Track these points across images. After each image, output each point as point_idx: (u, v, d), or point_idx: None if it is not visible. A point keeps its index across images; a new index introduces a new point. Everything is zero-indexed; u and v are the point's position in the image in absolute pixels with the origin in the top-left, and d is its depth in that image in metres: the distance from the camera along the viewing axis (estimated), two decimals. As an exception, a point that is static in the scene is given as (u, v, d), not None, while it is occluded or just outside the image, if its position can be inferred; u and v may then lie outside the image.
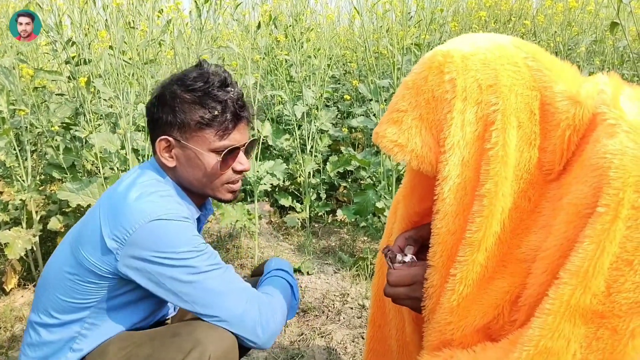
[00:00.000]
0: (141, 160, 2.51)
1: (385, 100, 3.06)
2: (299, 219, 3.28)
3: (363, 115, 3.69)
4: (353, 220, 3.16)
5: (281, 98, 3.76)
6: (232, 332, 1.18)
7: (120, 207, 1.17)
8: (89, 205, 2.36)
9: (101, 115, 2.70)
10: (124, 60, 2.56)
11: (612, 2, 2.02)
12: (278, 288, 1.35)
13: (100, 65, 2.52)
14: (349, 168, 3.46)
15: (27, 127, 2.46)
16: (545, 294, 0.78)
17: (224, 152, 1.24)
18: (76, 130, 2.64)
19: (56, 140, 2.70)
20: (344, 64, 4.79)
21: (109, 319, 1.24)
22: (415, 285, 1.00)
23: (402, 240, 1.11)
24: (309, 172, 3.33)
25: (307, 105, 3.32)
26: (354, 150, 3.66)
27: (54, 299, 1.21)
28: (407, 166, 1.08)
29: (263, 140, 3.28)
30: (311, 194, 3.34)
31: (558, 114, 0.85)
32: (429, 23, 2.85)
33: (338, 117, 4.01)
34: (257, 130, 2.88)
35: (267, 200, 3.55)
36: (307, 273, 2.65)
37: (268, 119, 3.64)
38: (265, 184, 3.06)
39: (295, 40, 3.38)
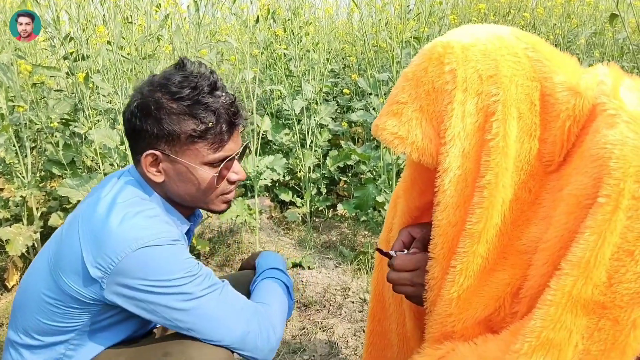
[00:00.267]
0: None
1: (384, 94, 3.06)
2: (299, 214, 3.28)
3: (362, 109, 3.69)
4: (353, 214, 3.15)
5: (280, 92, 3.76)
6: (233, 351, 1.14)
7: (102, 233, 1.05)
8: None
9: (100, 111, 2.69)
10: (122, 55, 2.55)
11: (612, -7, 2.01)
12: (274, 294, 1.29)
13: (99, 60, 2.52)
14: (349, 162, 3.45)
15: (26, 123, 2.46)
16: (547, 285, 0.78)
17: (219, 165, 1.15)
18: (75, 127, 2.64)
19: (56, 136, 2.70)
20: (343, 58, 4.78)
21: (95, 338, 1.16)
22: (419, 270, 1.00)
23: (407, 235, 1.10)
24: (309, 167, 3.33)
25: (306, 99, 3.32)
26: (354, 145, 3.65)
27: (34, 321, 1.12)
28: (407, 160, 1.08)
29: (263, 135, 3.27)
30: (311, 188, 3.34)
31: (558, 105, 0.84)
32: (428, 16, 2.84)
33: (337, 111, 4.01)
34: (257, 125, 2.87)
35: (267, 195, 3.55)
36: (308, 267, 2.65)
37: (267, 114, 3.63)
38: (265, 179, 3.06)
39: (294, 35, 3.37)
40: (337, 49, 4.45)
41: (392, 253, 1.05)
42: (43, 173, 2.88)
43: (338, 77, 4.53)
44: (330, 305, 2.32)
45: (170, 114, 1.09)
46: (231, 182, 1.21)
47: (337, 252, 2.86)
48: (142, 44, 2.64)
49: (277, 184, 3.55)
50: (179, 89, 1.09)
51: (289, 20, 3.53)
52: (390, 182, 2.91)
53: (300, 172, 3.38)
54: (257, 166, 2.84)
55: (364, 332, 2.10)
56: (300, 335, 2.10)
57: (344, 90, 3.92)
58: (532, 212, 0.88)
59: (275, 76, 3.86)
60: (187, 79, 1.11)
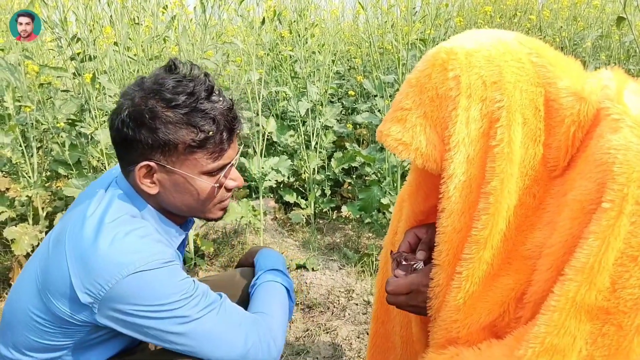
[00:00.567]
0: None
1: (390, 96, 3.06)
2: (303, 215, 3.28)
3: (368, 111, 3.69)
4: (358, 216, 3.16)
5: (286, 94, 3.76)
6: None
7: (90, 258, 0.99)
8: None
9: (106, 112, 2.70)
10: (128, 56, 2.57)
11: (619, -4, 2.01)
12: (275, 300, 1.26)
13: (106, 61, 2.53)
14: (353, 164, 3.45)
15: (32, 123, 2.47)
16: (551, 290, 0.78)
17: (218, 174, 1.10)
18: (82, 127, 2.65)
19: (62, 136, 2.71)
20: (348, 60, 4.78)
21: (89, 354, 1.13)
22: (413, 293, 1.00)
23: (412, 237, 1.10)
24: (314, 169, 3.33)
25: (311, 101, 3.32)
26: (359, 147, 3.65)
27: (24, 338, 1.08)
28: (411, 164, 1.08)
29: (268, 136, 3.27)
30: (316, 190, 3.34)
31: (563, 110, 0.84)
32: (434, 18, 2.84)
33: (342, 113, 4.01)
34: (262, 126, 2.88)
35: (272, 196, 3.55)
36: (312, 269, 2.65)
37: (273, 115, 3.63)
38: (270, 180, 3.07)
39: (299, 36, 3.38)
40: (342, 51, 4.45)
41: (416, 265, 1.04)
42: (49, 173, 2.90)
43: (343, 79, 4.53)
44: (334, 307, 2.33)
45: (167, 123, 1.02)
46: (229, 190, 1.16)
47: (341, 254, 2.86)
48: (149, 45, 2.65)
49: (281, 186, 3.55)
50: (174, 95, 1.02)
51: (294, 21, 3.54)
52: (395, 184, 2.91)
53: (304, 173, 3.38)
54: (262, 167, 2.85)
55: (367, 334, 2.10)
56: (304, 337, 2.11)
57: (349, 92, 3.93)
58: (536, 217, 0.88)
59: (280, 78, 3.87)
60: (181, 84, 1.04)
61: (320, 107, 3.40)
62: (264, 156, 2.97)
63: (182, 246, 1.28)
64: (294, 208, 3.43)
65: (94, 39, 2.59)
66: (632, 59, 3.57)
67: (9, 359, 1.10)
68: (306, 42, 3.48)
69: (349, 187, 3.66)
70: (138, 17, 2.68)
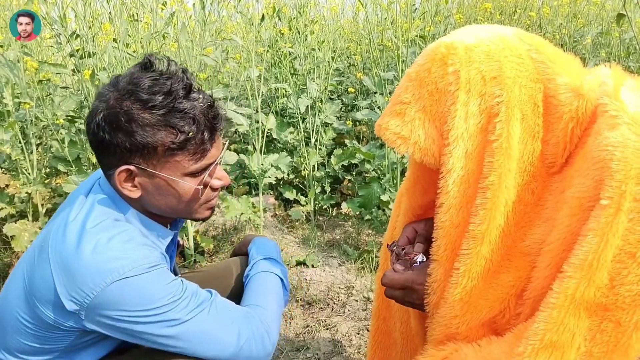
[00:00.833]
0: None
1: (389, 93, 3.05)
2: (303, 212, 3.28)
3: (367, 108, 3.68)
4: (358, 213, 3.16)
5: (285, 91, 3.76)
6: None
7: (73, 265, 0.96)
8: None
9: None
10: (128, 53, 2.56)
11: (619, -7, 2.01)
12: (269, 291, 1.24)
13: (105, 58, 2.53)
14: (353, 161, 3.45)
15: (32, 120, 2.47)
16: (550, 287, 0.78)
17: (201, 174, 1.06)
18: (81, 124, 2.65)
19: (61, 133, 2.70)
20: (348, 57, 4.78)
21: (83, 353, 1.10)
22: (407, 290, 1.00)
23: (411, 231, 1.10)
24: (314, 165, 3.33)
25: (311, 98, 3.32)
26: (359, 143, 3.65)
27: (15, 341, 1.06)
28: (410, 159, 1.08)
29: (267, 133, 3.27)
30: (316, 187, 3.34)
31: (561, 107, 0.84)
32: (433, 15, 2.83)
33: (342, 110, 4.01)
34: (262, 123, 2.88)
35: (271, 193, 3.55)
36: (312, 266, 2.65)
37: (272, 112, 3.63)
38: (269, 177, 3.07)
39: (299, 33, 3.37)
40: (342, 48, 4.45)
41: (418, 259, 1.04)
42: (48, 169, 2.90)
43: (343, 76, 4.53)
44: (334, 303, 2.33)
45: (144, 126, 0.97)
46: (215, 189, 1.12)
47: (341, 251, 2.86)
48: (148, 41, 2.65)
49: (281, 182, 3.55)
50: (151, 96, 0.97)
51: (294, 18, 3.53)
52: (395, 181, 2.91)
53: (304, 170, 3.38)
54: (262, 164, 2.85)
55: (367, 330, 2.10)
56: (304, 333, 2.11)
57: (349, 89, 3.92)
58: (535, 213, 0.88)
59: (280, 74, 3.87)
60: (157, 83, 0.99)
61: (320, 104, 3.40)
62: (264, 153, 2.97)
63: (173, 246, 1.25)
64: (293, 205, 3.43)
65: (93, 35, 2.59)
66: (632, 56, 3.57)
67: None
68: (306, 39, 3.47)
69: (349, 184, 3.66)
70: (137, 14, 2.68)
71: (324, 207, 3.39)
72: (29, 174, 2.48)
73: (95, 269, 0.95)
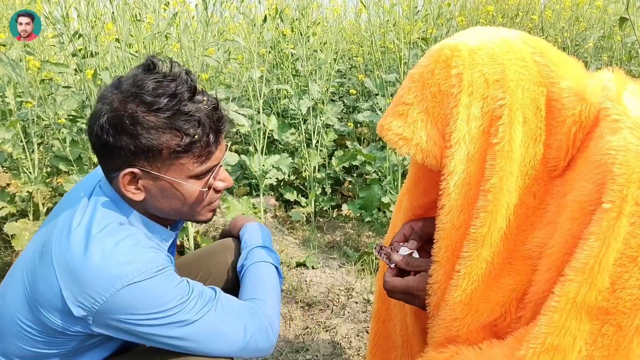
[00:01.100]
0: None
1: (391, 95, 3.06)
2: (304, 213, 3.28)
3: (369, 109, 3.69)
4: (358, 215, 3.16)
5: (287, 92, 3.76)
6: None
7: (81, 271, 0.95)
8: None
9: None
10: (130, 53, 2.56)
11: (621, -3, 2.01)
12: (267, 283, 1.24)
13: (107, 58, 2.53)
14: (354, 163, 3.45)
15: (34, 119, 2.47)
16: (551, 291, 0.78)
17: (205, 177, 1.06)
18: (83, 123, 2.65)
19: (63, 132, 2.71)
20: (350, 58, 4.78)
21: (86, 355, 1.10)
22: (409, 295, 1.01)
23: (408, 229, 1.11)
24: (315, 167, 3.33)
25: (312, 99, 3.32)
26: (360, 145, 3.65)
27: (15, 347, 1.04)
28: (411, 159, 1.08)
29: (269, 134, 3.28)
30: (316, 188, 3.34)
31: (564, 110, 0.84)
32: (436, 17, 2.84)
33: (344, 111, 4.01)
34: (263, 124, 2.88)
35: (272, 194, 3.55)
36: (312, 267, 2.65)
37: (274, 113, 3.63)
38: (270, 178, 3.07)
39: (301, 34, 3.38)
40: (344, 49, 4.45)
41: (402, 250, 1.05)
42: (50, 169, 2.90)
43: (345, 78, 4.54)
44: (334, 305, 2.33)
45: (149, 129, 0.96)
46: (218, 191, 1.13)
47: (341, 252, 2.86)
48: (150, 41, 2.65)
49: (282, 183, 3.55)
50: (155, 98, 0.96)
51: (296, 20, 3.54)
52: (396, 183, 2.91)
53: (305, 171, 3.38)
54: (263, 165, 2.85)
55: (367, 332, 2.10)
56: (304, 334, 2.11)
57: (351, 91, 3.93)
58: (536, 217, 0.88)
59: (282, 75, 3.87)
60: (161, 85, 0.98)
61: (322, 105, 3.40)
62: (265, 154, 2.98)
63: (173, 246, 1.25)
64: (294, 206, 3.43)
65: (95, 35, 2.59)
66: (634, 60, 3.57)
67: None
68: (308, 40, 3.48)
69: (350, 186, 3.66)
70: (140, 14, 2.68)
71: (324, 209, 3.39)
72: (30, 173, 2.48)
73: (104, 274, 0.94)
